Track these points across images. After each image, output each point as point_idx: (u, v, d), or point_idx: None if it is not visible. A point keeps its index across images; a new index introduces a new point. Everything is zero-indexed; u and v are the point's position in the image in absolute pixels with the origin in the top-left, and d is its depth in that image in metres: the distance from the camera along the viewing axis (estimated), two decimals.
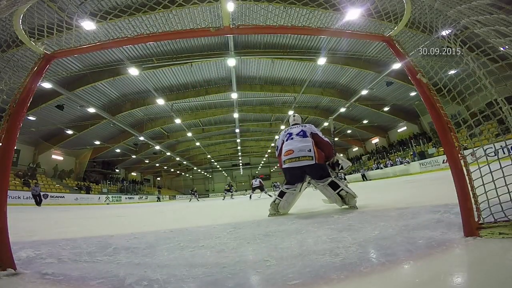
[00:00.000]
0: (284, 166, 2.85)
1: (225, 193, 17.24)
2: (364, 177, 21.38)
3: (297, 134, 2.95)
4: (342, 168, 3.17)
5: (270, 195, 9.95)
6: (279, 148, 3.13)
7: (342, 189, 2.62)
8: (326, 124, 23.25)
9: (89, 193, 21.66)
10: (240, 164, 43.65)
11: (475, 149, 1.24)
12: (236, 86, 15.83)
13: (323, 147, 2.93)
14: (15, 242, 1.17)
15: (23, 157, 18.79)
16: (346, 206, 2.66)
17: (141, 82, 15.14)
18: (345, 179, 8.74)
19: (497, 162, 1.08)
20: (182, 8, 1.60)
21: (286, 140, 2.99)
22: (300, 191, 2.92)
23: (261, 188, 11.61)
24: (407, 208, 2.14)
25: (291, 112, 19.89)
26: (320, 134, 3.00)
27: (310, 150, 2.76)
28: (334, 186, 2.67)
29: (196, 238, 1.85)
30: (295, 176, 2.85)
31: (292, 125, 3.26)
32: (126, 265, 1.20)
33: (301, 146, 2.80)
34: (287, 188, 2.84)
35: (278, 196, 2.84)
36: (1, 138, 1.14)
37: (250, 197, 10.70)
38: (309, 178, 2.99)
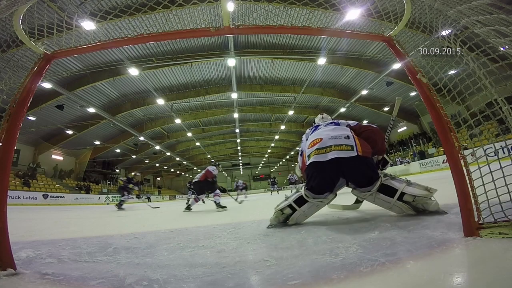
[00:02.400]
0: (309, 161, 1.92)
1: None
2: None
3: (327, 125, 2.15)
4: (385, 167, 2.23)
5: (220, 206, 5.13)
6: (302, 151, 2.24)
7: (404, 193, 1.71)
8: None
9: (89, 193, 21.64)
10: (240, 164, 43.65)
11: (475, 149, 1.24)
12: (236, 86, 15.82)
13: (370, 137, 1.98)
14: (15, 242, 1.17)
15: (23, 157, 18.78)
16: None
17: (141, 82, 15.13)
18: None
19: (497, 162, 1.08)
20: (182, 8, 1.60)
21: (312, 133, 2.13)
22: (328, 204, 2.04)
23: (203, 189, 5.74)
24: None
25: (291, 112, 19.90)
26: (357, 122, 2.16)
27: (348, 137, 1.85)
28: (388, 191, 1.76)
29: (196, 238, 1.85)
30: (325, 180, 1.87)
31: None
32: (126, 265, 1.20)
33: (334, 134, 1.90)
34: (314, 198, 1.90)
35: (295, 202, 1.93)
36: (1, 138, 1.14)
37: (188, 207, 5.49)
38: (342, 185, 2.00)
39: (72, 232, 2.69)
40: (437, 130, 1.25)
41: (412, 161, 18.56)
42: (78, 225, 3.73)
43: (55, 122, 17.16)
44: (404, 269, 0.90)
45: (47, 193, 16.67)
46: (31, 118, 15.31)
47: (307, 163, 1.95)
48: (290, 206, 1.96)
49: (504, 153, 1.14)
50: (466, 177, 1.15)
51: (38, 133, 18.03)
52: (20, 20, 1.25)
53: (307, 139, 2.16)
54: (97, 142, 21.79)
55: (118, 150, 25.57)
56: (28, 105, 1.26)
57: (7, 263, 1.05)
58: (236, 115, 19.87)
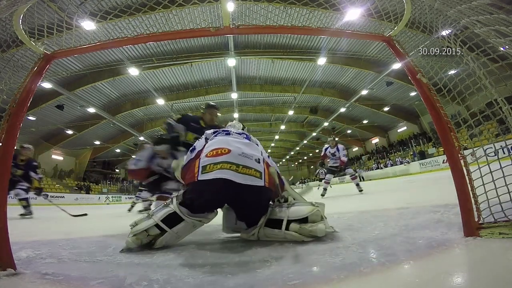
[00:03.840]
0: (203, 176, 1.42)
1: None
2: (361, 178, 21.27)
3: (239, 133, 1.77)
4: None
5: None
6: (194, 149, 1.68)
7: (290, 222, 1.44)
8: (326, 124, 23.27)
9: (89, 193, 21.63)
10: None
11: (475, 149, 1.24)
12: (236, 86, 15.82)
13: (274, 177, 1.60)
14: (15, 242, 1.17)
15: None
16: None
17: (141, 82, 15.12)
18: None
19: (497, 162, 1.08)
20: (182, 8, 1.60)
21: (216, 136, 1.71)
22: (208, 222, 1.59)
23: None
24: (407, 208, 2.14)
25: (291, 112, 19.87)
26: (265, 153, 1.72)
27: (259, 161, 1.50)
28: (274, 222, 1.48)
29: (196, 238, 1.85)
30: (216, 201, 1.52)
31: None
32: (126, 265, 1.20)
33: (246, 150, 1.51)
34: (191, 216, 1.47)
35: (164, 222, 1.46)
36: (1, 138, 1.14)
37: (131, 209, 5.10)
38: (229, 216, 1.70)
39: (72, 232, 2.68)
40: (437, 130, 1.25)
41: (412, 161, 18.56)
42: (78, 225, 3.73)
43: (55, 122, 17.17)
44: (404, 269, 0.90)
45: (47, 193, 16.63)
46: (31, 118, 15.31)
47: (200, 177, 1.42)
48: (157, 226, 1.46)
49: (504, 153, 1.14)
50: (466, 177, 1.15)
51: (38, 133, 18.02)
52: (20, 20, 1.25)
53: (206, 139, 1.70)
54: (97, 142, 21.79)
55: (118, 150, 25.56)
56: (28, 105, 1.26)
57: (7, 263, 1.05)
58: (236, 115, 19.86)
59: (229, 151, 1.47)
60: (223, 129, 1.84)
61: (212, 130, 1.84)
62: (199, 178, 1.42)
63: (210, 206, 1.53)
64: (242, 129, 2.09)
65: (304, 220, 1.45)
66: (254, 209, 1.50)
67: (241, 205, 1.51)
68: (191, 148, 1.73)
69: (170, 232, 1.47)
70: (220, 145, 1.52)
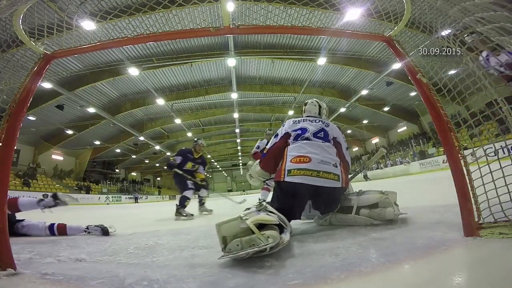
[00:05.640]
0: (289, 178, 1.59)
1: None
2: (366, 177, 21.20)
3: (316, 135, 1.79)
4: None
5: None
6: (277, 136, 1.91)
7: (360, 208, 1.69)
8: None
9: (89, 193, 21.62)
10: (240, 164, 43.69)
11: (475, 149, 1.24)
12: (236, 86, 15.82)
13: (344, 166, 1.79)
14: (15, 242, 1.17)
15: (23, 157, 18.77)
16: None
17: (141, 82, 15.12)
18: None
19: (497, 162, 1.08)
20: (182, 8, 1.60)
21: (296, 140, 1.78)
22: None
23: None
24: (407, 208, 2.13)
25: (291, 112, 19.85)
26: (344, 143, 1.89)
27: (336, 166, 1.67)
28: (344, 209, 1.76)
29: (196, 238, 1.85)
30: (299, 203, 1.63)
31: (307, 116, 1.99)
32: (126, 265, 1.20)
33: (323, 157, 1.65)
34: (286, 226, 1.38)
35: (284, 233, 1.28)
36: (1, 138, 1.14)
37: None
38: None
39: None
40: (437, 130, 1.25)
41: (412, 161, 18.55)
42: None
43: (55, 122, 17.16)
44: (404, 269, 0.90)
45: (47, 193, 16.48)
46: (31, 118, 15.29)
47: (287, 179, 1.60)
48: (280, 225, 1.30)
49: (504, 153, 1.14)
50: (466, 177, 1.15)
51: (38, 133, 18.01)
52: (20, 20, 1.25)
53: (286, 135, 1.85)
54: (97, 142, 21.79)
55: (118, 150, 25.55)
56: (28, 105, 1.26)
57: (7, 263, 1.05)
58: (236, 115, 19.87)
59: (310, 160, 1.63)
60: (301, 127, 1.85)
61: (293, 121, 1.94)
62: (285, 179, 1.61)
63: (295, 208, 1.61)
64: (318, 112, 2.06)
65: (374, 206, 1.67)
66: (331, 204, 1.75)
67: (322, 202, 1.72)
68: (275, 135, 1.97)
69: (284, 237, 1.22)
70: (301, 152, 1.69)
